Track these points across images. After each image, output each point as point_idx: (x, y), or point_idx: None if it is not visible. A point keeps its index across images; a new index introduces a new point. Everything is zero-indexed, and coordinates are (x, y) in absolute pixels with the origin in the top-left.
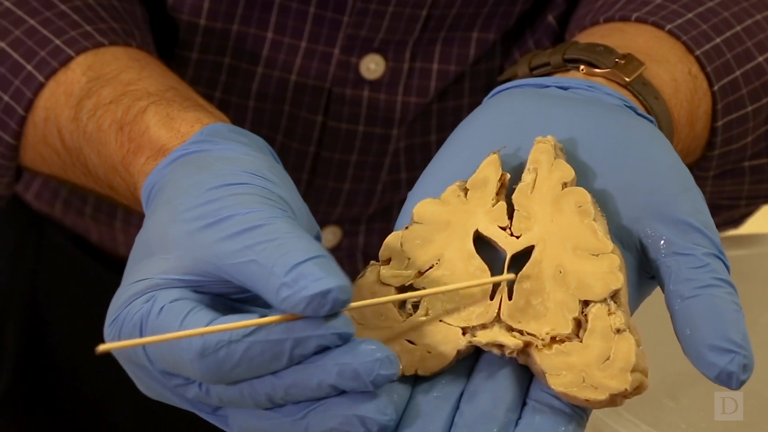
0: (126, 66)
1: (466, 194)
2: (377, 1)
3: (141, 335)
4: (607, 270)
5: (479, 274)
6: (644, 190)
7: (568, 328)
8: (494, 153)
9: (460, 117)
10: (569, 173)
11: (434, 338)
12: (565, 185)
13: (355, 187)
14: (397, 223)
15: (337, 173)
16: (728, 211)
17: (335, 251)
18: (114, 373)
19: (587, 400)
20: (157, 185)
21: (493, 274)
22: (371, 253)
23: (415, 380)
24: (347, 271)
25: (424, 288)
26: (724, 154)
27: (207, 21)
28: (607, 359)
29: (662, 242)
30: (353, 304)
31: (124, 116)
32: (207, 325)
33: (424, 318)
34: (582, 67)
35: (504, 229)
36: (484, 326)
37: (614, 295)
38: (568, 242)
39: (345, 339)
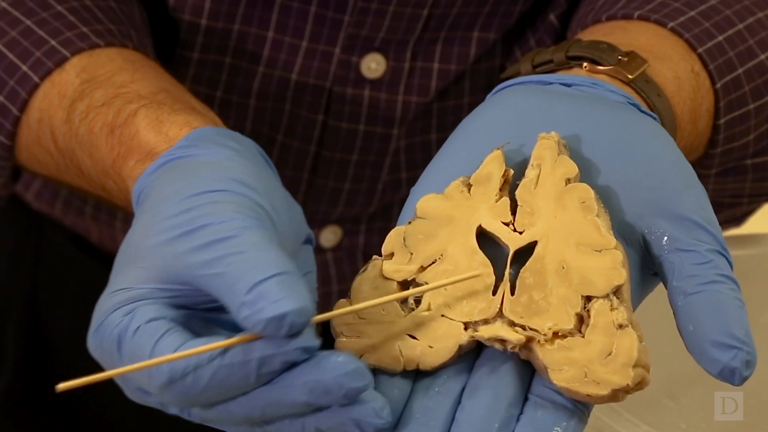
0: (120, 68)
1: (469, 190)
2: (378, 1)
3: (119, 351)
4: (610, 266)
5: (482, 270)
6: (647, 186)
7: (570, 324)
8: (498, 149)
9: (460, 116)
10: (573, 169)
11: (436, 333)
12: (568, 181)
13: (356, 187)
14: (400, 218)
15: (337, 172)
16: (730, 208)
17: (336, 251)
18: None
19: (589, 396)
20: (144, 191)
21: (496, 270)
22: (371, 253)
23: (416, 375)
24: (348, 271)
25: (426, 283)
26: (727, 152)
27: (208, 21)
28: (609, 354)
29: (665, 238)
30: (348, 309)
31: (115, 119)
32: (176, 349)
33: (426, 313)
34: (585, 64)
35: (507, 224)
36: (486, 321)
37: (617, 291)
38: (571, 238)
39: (310, 352)
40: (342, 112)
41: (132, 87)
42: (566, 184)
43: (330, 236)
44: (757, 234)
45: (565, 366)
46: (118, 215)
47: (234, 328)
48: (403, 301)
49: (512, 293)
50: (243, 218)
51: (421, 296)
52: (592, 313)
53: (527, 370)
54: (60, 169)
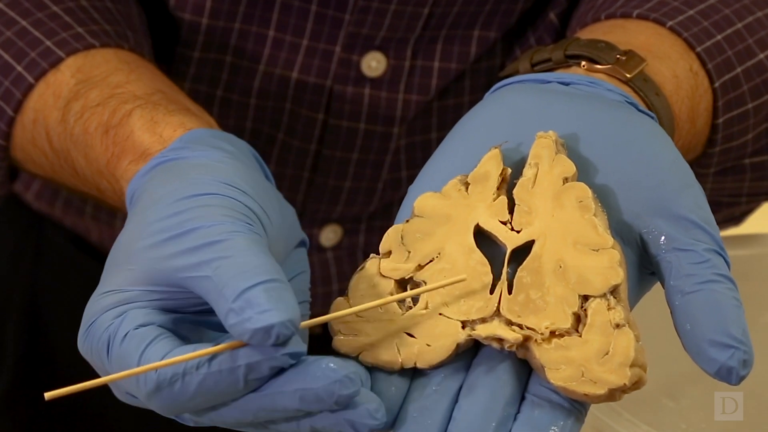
0: (115, 69)
1: (467, 188)
2: None
3: (108, 355)
4: (607, 265)
5: (479, 269)
6: (645, 185)
7: (567, 323)
8: (496, 148)
9: (460, 115)
10: (570, 168)
11: (433, 331)
12: (566, 180)
13: (356, 185)
14: (398, 217)
15: (338, 171)
16: (729, 208)
17: (336, 249)
18: None
19: (586, 395)
20: (136, 193)
21: (493, 269)
22: (372, 252)
23: (413, 373)
24: (348, 270)
25: (424, 282)
26: (725, 151)
27: (209, 19)
28: (606, 354)
29: (663, 238)
30: (348, 311)
31: (110, 119)
32: (164, 356)
33: (423, 311)
34: (583, 63)
35: (505, 223)
36: (483, 320)
37: (614, 290)
38: (569, 237)
39: (297, 357)
40: (342, 110)
41: (127, 87)
42: (564, 183)
43: (330, 235)
44: (756, 234)
45: (562, 365)
46: (118, 215)
47: (224, 329)
48: (401, 300)
49: (510, 292)
50: (232, 222)
51: (419, 295)
52: (589, 313)
53: (524, 369)
54: (55, 169)
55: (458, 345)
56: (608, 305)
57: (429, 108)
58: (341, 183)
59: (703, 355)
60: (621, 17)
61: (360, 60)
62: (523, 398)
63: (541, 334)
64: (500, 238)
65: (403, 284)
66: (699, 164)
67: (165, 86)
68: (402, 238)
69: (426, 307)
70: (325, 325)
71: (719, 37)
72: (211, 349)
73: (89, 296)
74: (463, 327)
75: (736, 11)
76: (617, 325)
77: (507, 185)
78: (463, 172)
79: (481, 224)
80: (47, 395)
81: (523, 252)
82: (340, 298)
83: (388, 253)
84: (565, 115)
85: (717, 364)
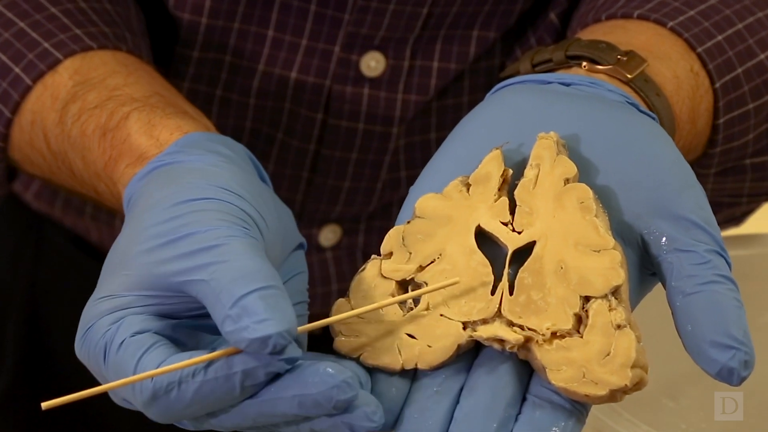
0: (113, 71)
1: (468, 189)
2: None
3: (104, 362)
4: (609, 266)
5: (481, 269)
6: (646, 186)
7: (568, 324)
8: (497, 149)
9: (459, 115)
10: (571, 169)
11: (435, 332)
12: (567, 181)
13: (355, 185)
14: (399, 218)
15: (337, 171)
16: (729, 208)
17: (335, 250)
18: None
19: (587, 396)
20: (133, 198)
21: (494, 270)
22: (371, 252)
23: (414, 374)
24: (347, 270)
25: (425, 282)
26: (726, 152)
27: (209, 19)
28: (608, 355)
29: (664, 239)
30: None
31: (107, 122)
32: (159, 365)
33: (424, 312)
34: (584, 63)
35: (506, 224)
36: (484, 321)
37: (615, 291)
38: (570, 238)
39: (293, 362)
40: (341, 110)
41: (125, 90)
42: (565, 184)
43: (329, 235)
44: (757, 234)
45: (564, 366)
46: (117, 215)
47: (220, 332)
48: (402, 301)
49: (511, 293)
50: (228, 226)
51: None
52: (590, 314)
53: (525, 370)
54: (53, 170)
55: (459, 346)
56: (609, 306)
57: (428, 108)
58: (340, 183)
59: (704, 356)
60: (622, 18)
61: (359, 60)
62: (524, 399)
63: (543, 335)
64: (501, 239)
65: (404, 285)
66: (700, 165)
67: (163, 88)
68: (403, 239)
69: (427, 308)
70: (325, 326)
71: (720, 37)
72: (206, 356)
73: (89, 296)
74: (464, 328)
75: (737, 12)
76: (618, 326)
77: (508, 186)
78: (464, 173)
79: (482, 225)
80: (44, 405)
81: (524, 253)
82: (341, 300)
83: (390, 254)
84: (566, 116)
85: (718, 365)
